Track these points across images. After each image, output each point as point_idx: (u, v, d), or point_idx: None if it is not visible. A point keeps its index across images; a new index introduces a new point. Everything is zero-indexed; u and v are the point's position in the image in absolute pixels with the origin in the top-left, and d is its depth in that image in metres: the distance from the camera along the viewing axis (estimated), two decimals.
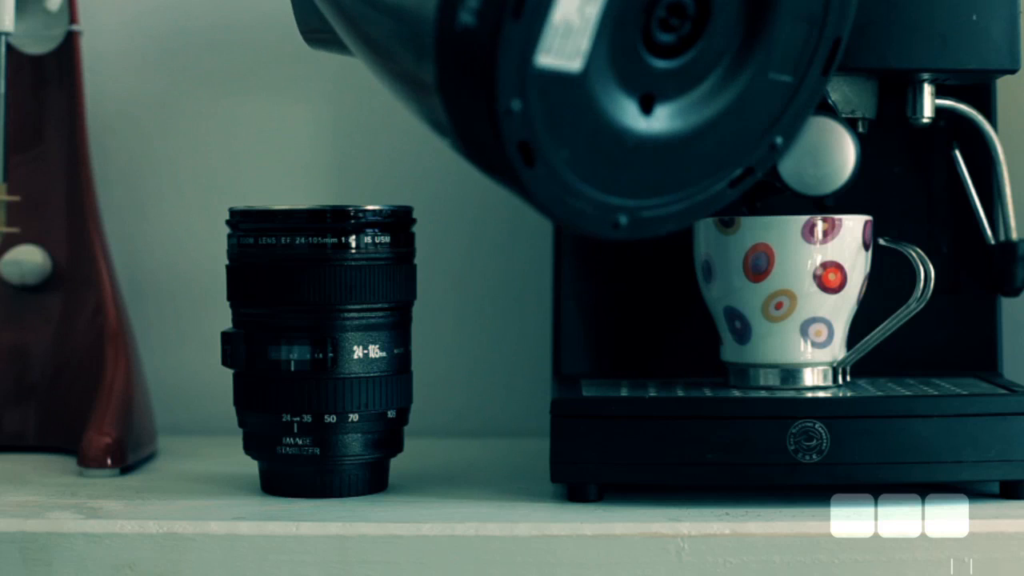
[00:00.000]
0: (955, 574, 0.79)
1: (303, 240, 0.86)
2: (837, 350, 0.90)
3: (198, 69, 1.13)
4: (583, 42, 0.65)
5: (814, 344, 0.90)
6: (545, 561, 0.79)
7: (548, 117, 0.65)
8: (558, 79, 0.65)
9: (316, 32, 0.87)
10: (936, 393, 0.88)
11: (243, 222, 0.88)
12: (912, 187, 0.99)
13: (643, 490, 0.86)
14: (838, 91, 0.91)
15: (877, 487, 0.83)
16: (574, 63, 0.66)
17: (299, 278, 0.86)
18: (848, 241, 0.89)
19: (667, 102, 0.69)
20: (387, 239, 0.88)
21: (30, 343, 1.05)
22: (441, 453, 1.02)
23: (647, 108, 0.69)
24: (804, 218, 0.88)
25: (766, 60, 0.71)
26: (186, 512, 0.83)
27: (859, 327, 0.91)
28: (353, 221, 0.87)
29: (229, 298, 0.89)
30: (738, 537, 0.79)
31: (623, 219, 0.69)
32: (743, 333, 0.90)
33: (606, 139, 0.68)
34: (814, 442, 0.83)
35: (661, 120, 0.69)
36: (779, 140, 0.72)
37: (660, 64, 0.69)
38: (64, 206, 1.04)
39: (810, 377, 0.90)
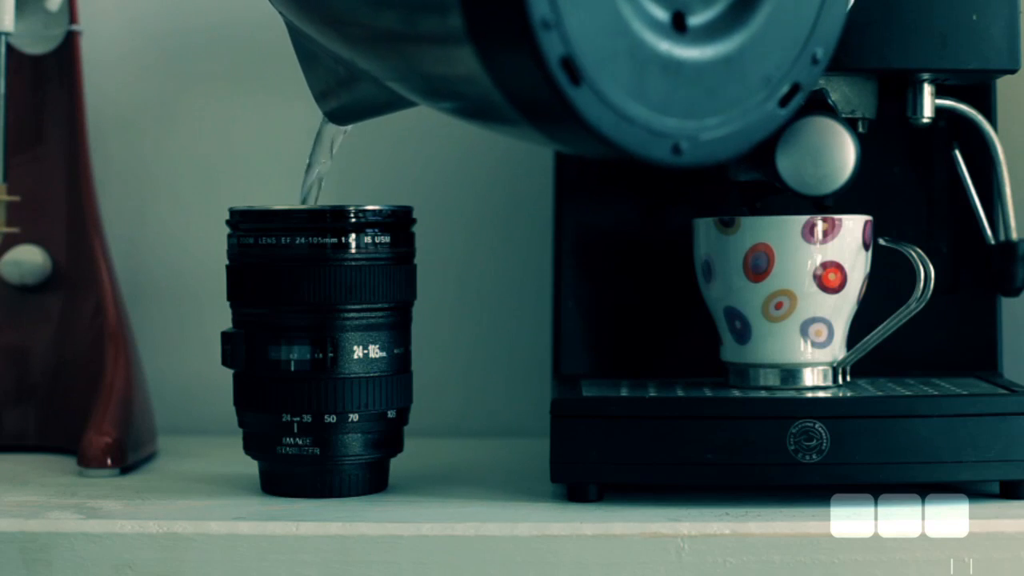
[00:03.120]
0: (955, 574, 0.79)
1: (303, 240, 0.86)
2: (837, 350, 0.90)
3: (198, 69, 1.13)
4: None
5: (814, 344, 0.90)
6: (545, 561, 0.79)
7: (584, 31, 0.66)
8: None
9: (331, 92, 0.88)
10: (936, 393, 0.88)
11: (243, 222, 0.88)
12: (912, 187, 0.99)
13: (643, 490, 0.86)
14: (838, 91, 0.91)
15: (877, 487, 0.83)
16: None
17: (299, 278, 0.86)
18: (848, 241, 0.89)
19: (698, 18, 0.70)
20: (387, 239, 0.87)
21: (30, 343, 1.04)
22: (441, 453, 1.02)
23: (680, 26, 0.69)
24: (804, 218, 0.88)
25: None
26: (186, 512, 0.83)
27: (859, 327, 0.91)
28: (353, 221, 0.87)
29: (229, 298, 0.89)
30: (738, 537, 0.79)
31: (684, 143, 0.69)
32: (743, 333, 0.90)
33: (647, 58, 0.68)
34: (814, 442, 0.83)
35: (698, 37, 0.70)
36: (819, 52, 0.73)
37: None
38: (64, 206, 1.04)
39: (810, 377, 0.90)
